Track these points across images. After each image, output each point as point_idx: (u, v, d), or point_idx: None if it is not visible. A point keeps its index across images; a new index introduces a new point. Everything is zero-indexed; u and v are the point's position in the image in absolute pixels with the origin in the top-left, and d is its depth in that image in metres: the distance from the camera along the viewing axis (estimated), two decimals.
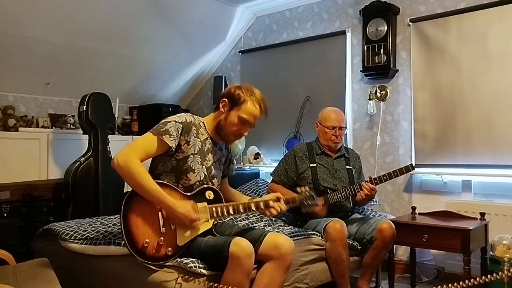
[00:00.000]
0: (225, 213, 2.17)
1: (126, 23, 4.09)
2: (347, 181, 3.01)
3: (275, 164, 3.26)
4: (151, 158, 2.19)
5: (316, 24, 4.39)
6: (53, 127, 4.15)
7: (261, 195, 3.49)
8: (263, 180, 4.03)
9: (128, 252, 2.13)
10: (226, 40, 4.97)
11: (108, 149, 3.68)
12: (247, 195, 3.26)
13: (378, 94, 3.90)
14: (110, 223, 2.70)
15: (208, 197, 2.19)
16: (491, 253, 2.91)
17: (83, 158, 3.56)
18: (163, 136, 2.08)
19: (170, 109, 4.79)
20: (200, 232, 2.11)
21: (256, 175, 4.39)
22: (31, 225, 3.43)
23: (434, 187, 3.61)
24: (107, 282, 2.28)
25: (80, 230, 2.49)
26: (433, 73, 3.59)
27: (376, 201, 3.51)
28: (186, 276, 1.97)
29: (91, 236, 2.40)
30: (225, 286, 1.87)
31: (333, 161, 3.06)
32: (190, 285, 1.95)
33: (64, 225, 2.66)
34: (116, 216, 2.96)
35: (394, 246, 3.13)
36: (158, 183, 2.08)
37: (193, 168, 2.18)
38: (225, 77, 4.99)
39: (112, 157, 2.14)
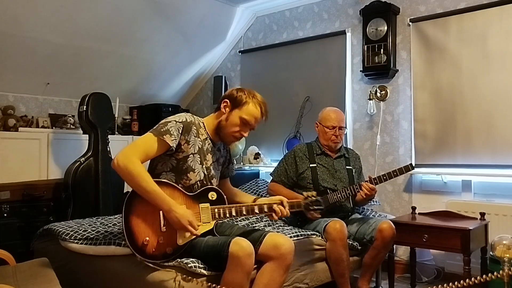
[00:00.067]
0: (228, 215, 2.17)
1: (126, 23, 4.09)
2: (347, 181, 3.01)
3: (275, 164, 3.25)
4: None
5: (316, 24, 4.39)
6: (53, 127, 4.15)
7: (261, 195, 3.49)
8: (263, 180, 4.03)
9: (128, 252, 2.13)
10: (226, 40, 4.98)
11: (108, 149, 3.68)
12: None
13: (378, 94, 3.90)
14: (110, 223, 2.70)
15: (211, 198, 2.19)
16: (491, 253, 2.91)
17: (83, 158, 3.56)
18: (164, 136, 2.08)
19: (170, 109, 4.79)
20: (201, 232, 2.11)
21: (256, 175, 4.39)
22: (31, 225, 3.43)
23: (434, 187, 3.61)
24: (107, 282, 2.28)
25: (80, 230, 2.49)
26: (433, 73, 3.59)
27: (376, 201, 3.51)
28: (185, 276, 1.97)
29: (91, 236, 2.40)
30: (225, 287, 1.87)
31: (333, 161, 3.06)
32: (190, 285, 1.95)
33: (64, 225, 2.66)
34: (116, 216, 2.97)
35: (394, 246, 3.13)
36: (160, 181, 2.08)
37: (193, 167, 2.18)
38: (225, 77, 4.99)
39: (112, 157, 2.15)
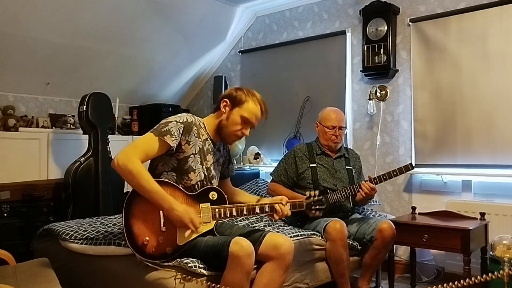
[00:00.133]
0: (228, 215, 2.17)
1: (126, 23, 4.09)
2: (347, 181, 3.01)
3: (275, 164, 3.25)
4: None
5: (316, 24, 4.39)
6: (53, 127, 4.15)
7: (261, 195, 3.49)
8: (263, 180, 4.03)
9: (128, 252, 2.13)
10: (226, 40, 4.98)
11: (108, 149, 3.68)
12: None
13: (378, 94, 3.90)
14: (110, 223, 2.70)
15: (211, 198, 2.19)
16: (491, 253, 2.91)
17: (83, 158, 3.56)
18: (165, 137, 2.08)
19: (170, 109, 4.79)
20: (201, 232, 2.11)
21: (256, 175, 4.39)
22: (31, 225, 3.43)
23: (434, 187, 3.61)
24: (107, 282, 2.28)
25: (80, 230, 2.49)
26: (433, 73, 3.59)
27: (376, 201, 3.51)
28: (185, 276, 1.97)
29: (91, 236, 2.40)
30: (225, 286, 1.87)
31: (333, 161, 3.06)
32: (190, 285, 1.95)
33: (64, 225, 2.66)
34: (116, 216, 2.97)
35: (394, 246, 3.13)
36: (161, 181, 2.08)
37: (193, 168, 2.18)
38: (225, 77, 4.99)
39: (112, 157, 2.15)
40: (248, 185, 3.83)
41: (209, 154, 2.26)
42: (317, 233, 2.76)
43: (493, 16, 3.31)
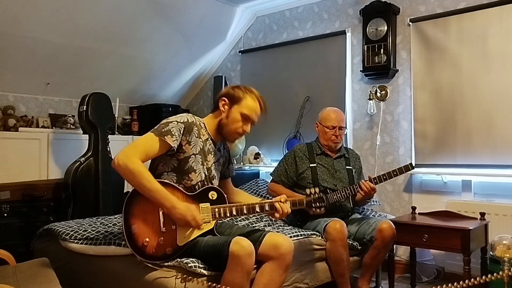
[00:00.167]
0: (228, 214, 2.17)
1: (126, 23, 4.09)
2: (347, 181, 3.01)
3: (275, 164, 3.25)
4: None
5: (316, 24, 4.39)
6: (53, 127, 4.15)
7: (261, 195, 3.49)
8: (263, 180, 4.03)
9: (128, 252, 2.13)
10: (226, 40, 4.98)
11: (108, 149, 3.68)
12: None
13: (378, 94, 3.90)
14: (110, 223, 2.70)
15: (211, 198, 2.18)
16: (491, 253, 2.91)
17: (83, 158, 3.56)
18: (165, 137, 2.08)
19: (170, 109, 4.79)
20: (201, 232, 2.11)
21: (256, 175, 4.39)
22: (31, 225, 3.43)
23: (434, 187, 3.61)
24: (107, 282, 2.28)
25: (80, 230, 2.49)
26: (433, 73, 3.59)
27: (376, 201, 3.51)
28: (185, 276, 1.97)
29: (91, 236, 2.40)
30: (225, 286, 1.87)
31: (333, 161, 3.06)
32: (190, 285, 1.95)
33: (64, 225, 2.66)
34: (116, 216, 2.96)
35: (394, 246, 3.13)
36: (160, 182, 2.08)
37: (194, 168, 2.18)
38: (225, 77, 4.99)
39: (112, 157, 2.14)
40: (248, 185, 3.83)
41: (210, 154, 2.26)
42: (317, 233, 2.76)
43: (493, 16, 3.31)
